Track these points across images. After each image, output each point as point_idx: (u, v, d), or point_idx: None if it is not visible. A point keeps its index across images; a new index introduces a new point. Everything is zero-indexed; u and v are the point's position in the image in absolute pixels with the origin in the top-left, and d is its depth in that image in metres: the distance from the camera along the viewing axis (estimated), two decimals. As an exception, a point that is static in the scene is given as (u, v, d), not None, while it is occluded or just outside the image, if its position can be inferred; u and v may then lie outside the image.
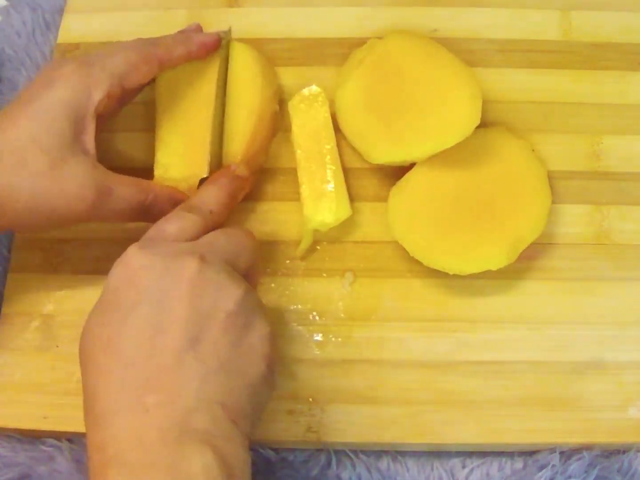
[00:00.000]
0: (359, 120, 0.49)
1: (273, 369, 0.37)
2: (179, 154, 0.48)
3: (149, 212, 0.45)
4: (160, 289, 0.35)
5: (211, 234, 0.39)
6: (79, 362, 0.36)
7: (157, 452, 0.32)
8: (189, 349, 0.34)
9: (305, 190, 0.49)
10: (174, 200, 0.45)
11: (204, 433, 0.33)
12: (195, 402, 0.33)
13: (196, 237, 0.39)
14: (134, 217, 0.45)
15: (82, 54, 0.51)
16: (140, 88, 0.47)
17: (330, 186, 0.49)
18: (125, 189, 0.43)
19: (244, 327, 0.36)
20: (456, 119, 0.47)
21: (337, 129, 0.51)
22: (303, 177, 0.50)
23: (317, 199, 0.49)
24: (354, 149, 0.51)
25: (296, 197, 0.50)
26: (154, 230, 0.39)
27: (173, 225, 0.39)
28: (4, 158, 0.40)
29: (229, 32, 0.52)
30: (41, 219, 0.42)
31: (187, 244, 0.38)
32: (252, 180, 0.49)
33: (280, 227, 0.50)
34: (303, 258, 0.49)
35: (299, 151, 0.50)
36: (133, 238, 0.49)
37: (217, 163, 0.48)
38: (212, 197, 0.43)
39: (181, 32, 0.50)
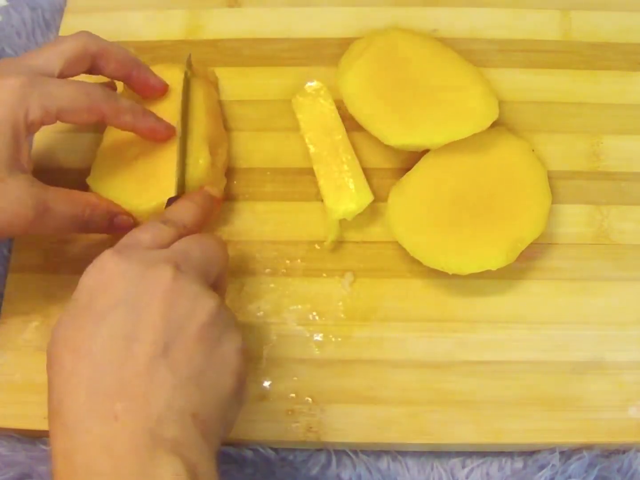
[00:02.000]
0: (369, 105, 0.49)
1: (243, 384, 0.37)
2: (138, 180, 0.47)
3: (87, 225, 0.45)
4: (135, 295, 0.35)
5: (185, 240, 0.39)
6: (46, 364, 0.35)
7: (127, 460, 0.32)
8: (161, 357, 0.34)
9: (324, 183, 0.49)
10: (111, 214, 0.46)
11: (174, 442, 0.32)
12: (165, 410, 0.33)
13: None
14: (72, 229, 0.44)
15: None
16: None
17: (348, 175, 0.49)
18: (62, 205, 0.43)
19: (216, 339, 0.36)
20: (474, 110, 0.48)
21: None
22: (320, 170, 0.50)
23: (337, 189, 0.49)
24: (355, 148, 0.51)
25: (296, 197, 0.50)
26: (128, 238, 0.39)
27: (148, 234, 0.39)
28: None
29: (189, 62, 0.52)
30: None
31: (162, 251, 0.38)
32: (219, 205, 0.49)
33: (281, 227, 0.50)
34: (303, 258, 0.49)
35: (311, 146, 0.50)
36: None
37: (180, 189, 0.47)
38: (187, 212, 0.43)
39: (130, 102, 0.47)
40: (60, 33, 0.57)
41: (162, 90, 0.50)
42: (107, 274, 0.36)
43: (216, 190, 0.47)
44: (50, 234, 0.44)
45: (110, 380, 0.33)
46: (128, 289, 0.35)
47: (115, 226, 0.46)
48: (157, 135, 0.47)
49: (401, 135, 0.48)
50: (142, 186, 0.47)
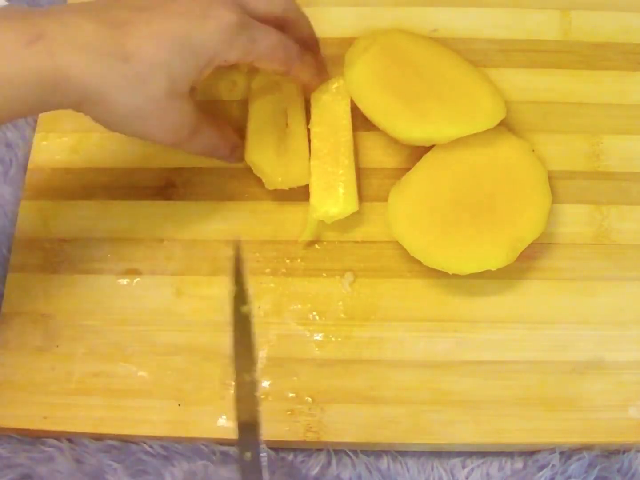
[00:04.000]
0: (378, 98, 0.49)
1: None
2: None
3: (217, 152, 0.49)
4: None
5: None
6: None
7: None
8: None
9: (315, 180, 0.49)
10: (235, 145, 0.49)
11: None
12: None
13: None
14: (205, 152, 0.48)
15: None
16: None
17: (341, 179, 0.49)
18: (213, 133, 0.46)
19: None
20: (484, 108, 0.48)
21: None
22: (315, 166, 0.49)
23: (326, 190, 0.49)
24: (356, 148, 0.51)
25: (296, 197, 0.50)
26: None
27: None
28: (131, 64, 0.39)
29: None
30: (122, 126, 0.42)
31: None
32: None
33: (281, 227, 0.50)
34: (303, 258, 0.49)
35: (315, 140, 0.50)
36: (134, 238, 0.50)
37: None
38: None
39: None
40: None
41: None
42: None
43: None
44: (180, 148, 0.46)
45: None
46: None
47: (233, 156, 0.50)
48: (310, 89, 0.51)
49: (412, 128, 0.48)
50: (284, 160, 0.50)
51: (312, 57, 0.50)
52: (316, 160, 0.50)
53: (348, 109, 0.51)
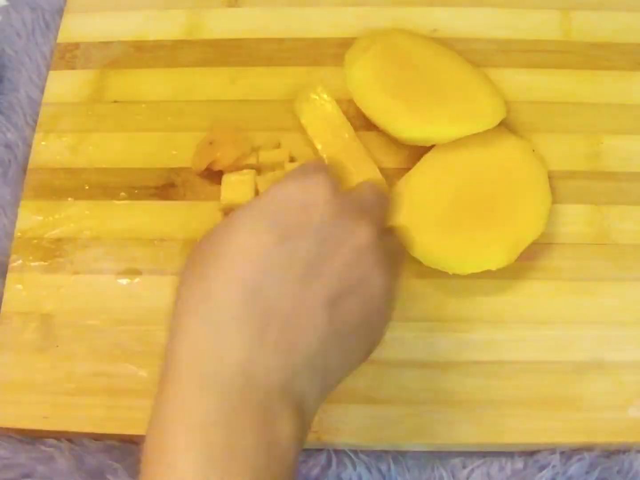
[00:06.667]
0: (379, 98, 0.49)
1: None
2: None
3: None
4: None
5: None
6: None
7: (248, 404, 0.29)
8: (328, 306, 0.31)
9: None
10: None
11: (301, 397, 0.30)
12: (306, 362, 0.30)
13: None
14: None
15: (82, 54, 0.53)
16: None
17: (366, 175, 0.49)
18: None
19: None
20: (484, 108, 0.48)
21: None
22: None
23: None
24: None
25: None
26: None
27: None
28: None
29: None
30: None
31: None
32: None
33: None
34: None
35: (320, 146, 0.50)
36: (134, 238, 0.50)
37: None
38: None
39: None
40: (60, 33, 0.57)
41: None
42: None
43: None
44: None
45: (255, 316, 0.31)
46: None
47: None
48: None
49: (412, 128, 0.48)
50: None
51: None
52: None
53: (336, 106, 0.51)
